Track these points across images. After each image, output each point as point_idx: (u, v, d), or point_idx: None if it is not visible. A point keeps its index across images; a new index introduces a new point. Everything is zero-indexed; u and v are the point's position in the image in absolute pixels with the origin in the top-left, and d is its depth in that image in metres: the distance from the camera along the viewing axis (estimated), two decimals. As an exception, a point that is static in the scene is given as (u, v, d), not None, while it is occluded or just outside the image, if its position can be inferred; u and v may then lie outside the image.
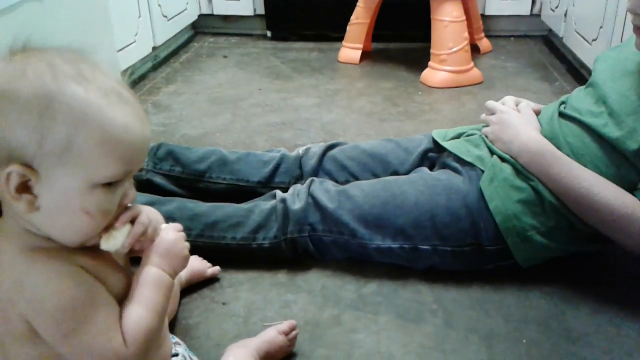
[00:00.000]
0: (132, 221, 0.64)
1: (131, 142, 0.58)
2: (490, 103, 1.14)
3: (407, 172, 1.16)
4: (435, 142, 1.19)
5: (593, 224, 0.95)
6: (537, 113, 1.11)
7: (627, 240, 0.94)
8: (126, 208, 0.63)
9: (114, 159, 0.57)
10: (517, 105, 1.13)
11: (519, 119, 1.06)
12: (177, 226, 0.71)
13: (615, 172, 0.94)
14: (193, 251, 1.01)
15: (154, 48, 2.08)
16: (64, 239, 0.59)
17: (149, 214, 0.66)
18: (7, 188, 0.55)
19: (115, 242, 0.61)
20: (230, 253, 1.05)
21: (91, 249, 0.61)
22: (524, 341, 0.89)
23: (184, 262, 0.69)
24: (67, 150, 0.55)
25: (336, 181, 1.16)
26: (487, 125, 1.12)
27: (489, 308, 0.96)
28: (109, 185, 0.58)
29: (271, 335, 0.84)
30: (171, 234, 0.68)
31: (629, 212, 0.91)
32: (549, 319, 0.94)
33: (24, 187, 0.55)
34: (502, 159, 1.04)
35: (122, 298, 0.63)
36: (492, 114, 1.12)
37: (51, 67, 0.55)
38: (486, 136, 1.10)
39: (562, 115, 1.05)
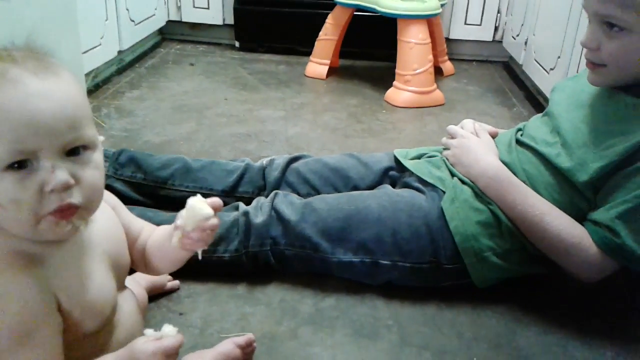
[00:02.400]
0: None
1: (6, 119, 0.54)
2: (452, 127, 1.17)
3: (368, 188, 1.18)
4: (397, 161, 1.21)
5: (543, 250, 0.99)
6: (494, 136, 1.15)
7: (573, 268, 0.97)
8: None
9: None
10: (474, 128, 1.16)
11: (478, 145, 1.10)
12: (168, 347, 0.61)
13: (568, 200, 0.98)
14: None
15: (119, 52, 2.06)
16: (18, 231, 0.58)
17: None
18: None
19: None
20: (188, 264, 1.04)
21: (53, 244, 0.60)
22: (475, 359, 0.92)
23: None
24: None
25: (298, 194, 1.16)
26: (448, 148, 1.15)
27: (442, 325, 0.99)
28: (17, 170, 0.55)
29: (228, 347, 0.83)
30: (150, 346, 0.60)
31: (576, 242, 0.95)
32: (500, 338, 0.96)
33: None
34: (462, 182, 1.07)
35: (78, 289, 0.62)
36: (453, 137, 1.15)
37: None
38: (447, 159, 1.13)
39: (518, 142, 1.09)
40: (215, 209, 0.68)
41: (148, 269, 0.77)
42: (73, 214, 0.58)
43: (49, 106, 0.55)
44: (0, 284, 0.56)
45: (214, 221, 0.67)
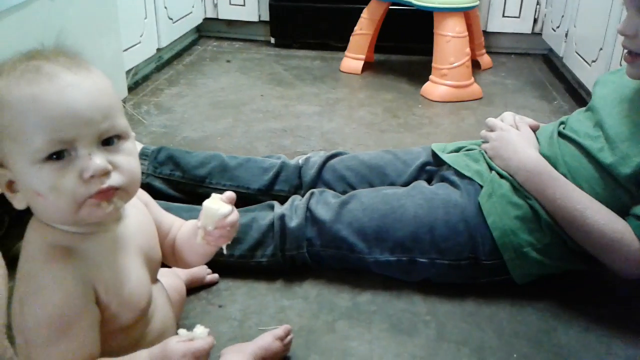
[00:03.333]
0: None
1: (45, 109, 0.55)
2: (490, 120, 1.15)
3: (404, 184, 1.17)
4: (434, 155, 1.20)
5: (583, 245, 0.97)
6: (535, 129, 1.13)
7: (614, 264, 0.95)
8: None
9: (33, 130, 0.55)
10: (515, 121, 1.14)
11: (518, 138, 1.08)
12: (199, 348, 0.62)
13: (610, 194, 0.96)
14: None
15: (158, 49, 2.09)
16: (60, 220, 0.60)
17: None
18: (6, 190, 0.58)
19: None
20: (227, 266, 1.05)
21: (93, 236, 0.62)
22: (515, 356, 0.91)
23: None
24: (3, 135, 0.57)
25: (334, 191, 1.16)
26: (486, 142, 1.14)
27: (481, 321, 0.98)
28: (56, 161, 0.56)
29: (268, 341, 0.84)
30: (182, 347, 0.61)
31: (618, 237, 0.93)
32: (540, 335, 0.95)
33: (10, 185, 0.58)
34: (501, 176, 1.06)
35: (115, 281, 0.64)
36: (492, 130, 1.13)
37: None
38: (485, 152, 1.12)
39: (561, 135, 1.07)
40: (231, 202, 0.70)
41: (178, 262, 0.78)
42: (113, 195, 0.59)
43: (84, 97, 0.57)
44: (42, 276, 0.58)
45: (233, 217, 0.68)
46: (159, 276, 0.77)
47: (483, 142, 1.16)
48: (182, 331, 0.64)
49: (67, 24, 1.33)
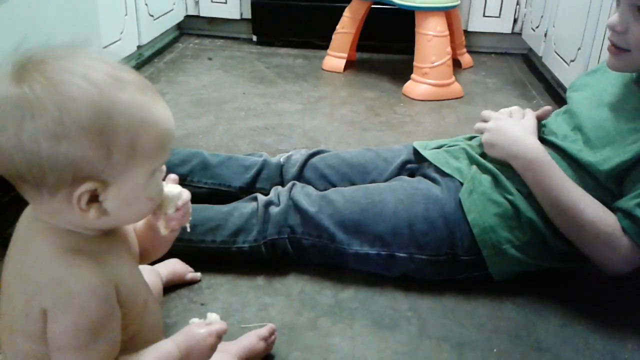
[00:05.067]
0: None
1: (173, 127, 0.61)
2: (485, 112, 1.14)
3: (386, 182, 1.17)
4: (415, 152, 1.21)
5: (573, 239, 0.98)
6: (542, 117, 1.11)
7: (604, 258, 0.97)
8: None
9: (167, 147, 0.61)
10: (523, 116, 1.12)
11: (515, 126, 1.07)
12: (221, 331, 0.70)
13: (591, 195, 0.97)
14: (172, 254, 1.03)
15: (138, 47, 2.08)
16: (117, 224, 0.63)
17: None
18: (78, 205, 0.56)
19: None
20: (209, 256, 1.06)
21: (108, 239, 0.63)
22: (495, 350, 0.92)
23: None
24: (132, 153, 0.56)
25: (316, 189, 1.17)
26: (474, 137, 1.14)
27: (461, 317, 0.99)
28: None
29: (252, 341, 0.84)
30: (204, 329, 0.68)
31: (609, 231, 0.94)
32: (520, 330, 0.96)
33: (92, 198, 0.57)
34: (483, 170, 1.06)
35: (130, 281, 0.65)
36: (486, 122, 1.11)
37: (89, 81, 0.55)
38: (483, 145, 1.10)
39: (541, 139, 1.07)
40: (176, 183, 0.72)
41: (141, 257, 0.79)
42: None
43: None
44: (73, 281, 0.58)
45: (185, 195, 0.70)
46: None
47: (466, 138, 1.17)
48: (194, 320, 0.70)
49: (46, 20, 1.31)
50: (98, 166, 0.55)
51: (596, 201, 0.96)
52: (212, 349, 0.69)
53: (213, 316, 0.70)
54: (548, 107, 1.14)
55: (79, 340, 0.58)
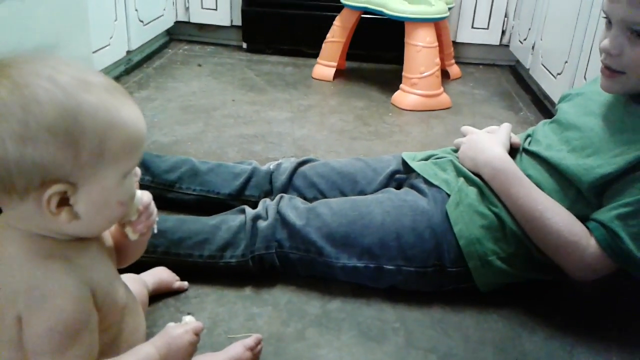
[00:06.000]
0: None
1: (143, 129, 0.61)
2: (465, 127, 1.18)
3: (374, 192, 1.18)
4: (404, 163, 1.22)
5: (542, 247, 0.99)
6: (515, 147, 1.13)
7: (569, 266, 0.98)
8: None
9: (137, 148, 0.61)
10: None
11: (486, 138, 1.11)
12: (198, 328, 0.75)
13: (570, 206, 0.99)
14: (160, 265, 1.02)
15: (128, 52, 2.07)
16: (86, 233, 0.62)
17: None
18: (48, 208, 0.56)
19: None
20: (196, 269, 1.05)
21: (82, 243, 0.63)
22: (481, 363, 0.92)
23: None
24: (100, 155, 0.57)
25: (305, 198, 1.17)
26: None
27: (448, 328, 0.99)
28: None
29: (239, 351, 0.84)
30: (181, 328, 0.73)
31: (575, 239, 0.95)
32: (506, 342, 0.97)
33: (62, 201, 0.57)
34: (469, 183, 1.08)
35: (107, 284, 0.65)
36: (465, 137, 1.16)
37: (54, 84, 0.55)
38: (458, 158, 1.13)
39: (525, 150, 1.09)
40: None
41: (119, 261, 0.78)
42: None
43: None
44: (48, 285, 0.58)
45: (146, 196, 0.70)
46: None
47: (453, 150, 1.18)
48: (171, 324, 0.73)
49: (36, 24, 1.31)
50: (66, 168, 0.55)
51: (564, 210, 0.98)
52: (192, 345, 0.72)
53: (188, 318, 0.74)
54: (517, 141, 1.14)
55: (55, 345, 0.58)
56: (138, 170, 0.66)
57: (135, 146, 0.60)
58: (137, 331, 0.73)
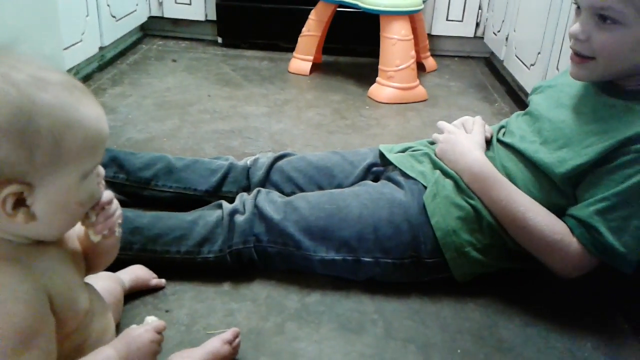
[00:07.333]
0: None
1: (104, 128, 0.60)
2: (440, 123, 1.19)
3: (351, 185, 1.18)
4: (381, 155, 1.22)
5: (525, 247, 1.01)
6: (488, 139, 1.15)
7: (554, 264, 0.99)
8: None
9: (97, 148, 0.59)
10: (473, 124, 1.16)
11: (464, 140, 1.11)
12: (159, 326, 0.74)
13: (546, 197, 1.00)
14: (137, 262, 1.01)
15: (100, 48, 2.04)
16: (46, 235, 0.61)
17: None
18: (3, 209, 0.55)
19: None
20: (174, 266, 1.04)
21: (40, 247, 0.61)
22: (459, 351, 0.93)
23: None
24: (57, 155, 0.55)
25: (282, 192, 1.17)
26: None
27: (426, 318, 1.00)
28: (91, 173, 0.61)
29: (216, 346, 0.84)
30: (141, 328, 0.72)
31: (558, 238, 0.96)
32: (483, 330, 0.98)
33: (18, 202, 0.55)
34: (445, 175, 1.08)
35: (66, 290, 0.63)
36: (441, 133, 1.16)
37: (8, 82, 0.54)
38: (436, 154, 1.14)
39: (499, 141, 1.11)
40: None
41: (91, 267, 0.77)
42: None
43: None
44: (2, 287, 0.56)
45: (104, 196, 0.67)
46: (94, 279, 0.77)
47: (430, 143, 1.19)
48: (133, 326, 0.73)
49: (5, 20, 1.28)
50: (20, 168, 0.54)
51: (544, 209, 0.99)
52: (153, 342, 0.71)
53: (150, 318, 0.75)
54: (490, 132, 1.16)
55: (7, 350, 0.56)
56: (102, 170, 0.65)
57: (95, 146, 0.59)
58: (104, 336, 0.72)
